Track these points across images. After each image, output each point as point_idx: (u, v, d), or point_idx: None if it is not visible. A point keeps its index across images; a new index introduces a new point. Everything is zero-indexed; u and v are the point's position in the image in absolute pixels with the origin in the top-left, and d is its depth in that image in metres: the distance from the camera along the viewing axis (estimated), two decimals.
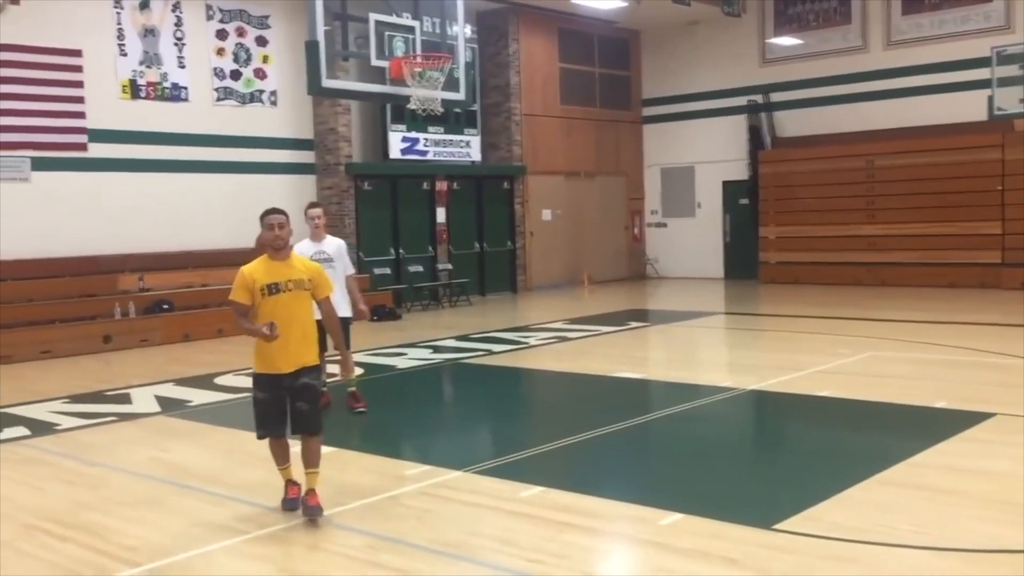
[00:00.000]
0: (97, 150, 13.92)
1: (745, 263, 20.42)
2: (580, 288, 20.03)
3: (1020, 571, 4.28)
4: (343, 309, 7.55)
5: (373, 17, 8.35)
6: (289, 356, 5.29)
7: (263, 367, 5.35)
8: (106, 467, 6.61)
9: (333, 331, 5.63)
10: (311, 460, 5.37)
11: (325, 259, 7.51)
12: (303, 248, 7.56)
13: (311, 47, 7.85)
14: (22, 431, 7.76)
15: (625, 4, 18.56)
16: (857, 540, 4.67)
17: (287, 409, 5.37)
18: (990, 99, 14.72)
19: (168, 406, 8.67)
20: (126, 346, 12.63)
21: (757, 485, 5.97)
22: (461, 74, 8.92)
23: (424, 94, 8.29)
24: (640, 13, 19.57)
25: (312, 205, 7.90)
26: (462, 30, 8.96)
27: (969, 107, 16.51)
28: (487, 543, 4.82)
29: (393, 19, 8.45)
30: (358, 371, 8.06)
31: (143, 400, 8.96)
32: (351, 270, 7.92)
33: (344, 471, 6.31)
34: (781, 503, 5.34)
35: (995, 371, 9.17)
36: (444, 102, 9.03)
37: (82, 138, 13.80)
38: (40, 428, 7.83)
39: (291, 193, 16.33)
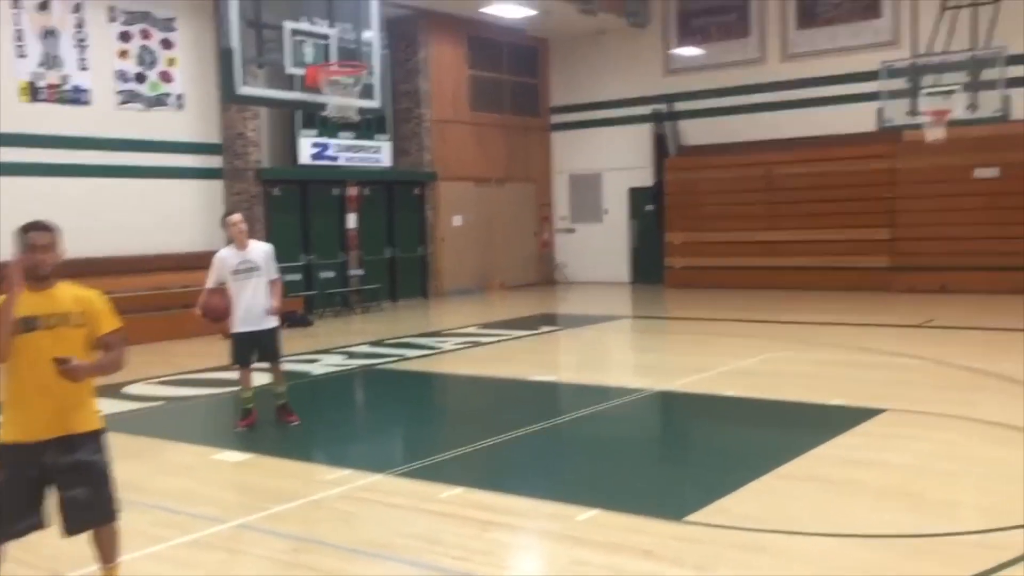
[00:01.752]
0: None
1: (651, 268, 20.93)
2: (491, 293, 20.23)
3: (910, 553, 4.62)
4: (269, 320, 7.53)
5: (288, 25, 8.36)
6: (49, 418, 3.89)
7: (11, 433, 3.89)
8: None
9: (102, 369, 4.11)
10: (107, 554, 4.20)
11: (252, 267, 7.46)
12: (227, 256, 7.50)
13: (225, 54, 7.83)
14: None
15: (533, 13, 18.90)
16: (761, 529, 4.95)
17: (42, 495, 3.94)
18: (879, 111, 15.46)
19: None
20: None
21: (668, 480, 6.24)
22: (376, 82, 9.00)
23: (340, 102, 8.34)
24: (548, 22, 19.92)
25: (229, 213, 7.78)
26: (377, 38, 9.05)
27: (861, 119, 17.30)
28: (411, 543, 4.94)
29: (308, 26, 8.47)
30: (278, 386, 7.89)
31: None
32: (275, 275, 7.69)
33: (265, 477, 6.34)
34: (690, 496, 5.60)
35: (886, 370, 9.70)
36: (359, 110, 9.07)
37: None
38: None
39: (199, 198, 16.12)
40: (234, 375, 8.75)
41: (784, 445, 6.71)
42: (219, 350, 10.25)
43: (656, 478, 6.30)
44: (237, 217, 7.54)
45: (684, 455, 7.09)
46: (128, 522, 5.38)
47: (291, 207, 16.99)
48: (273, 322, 7.62)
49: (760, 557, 4.62)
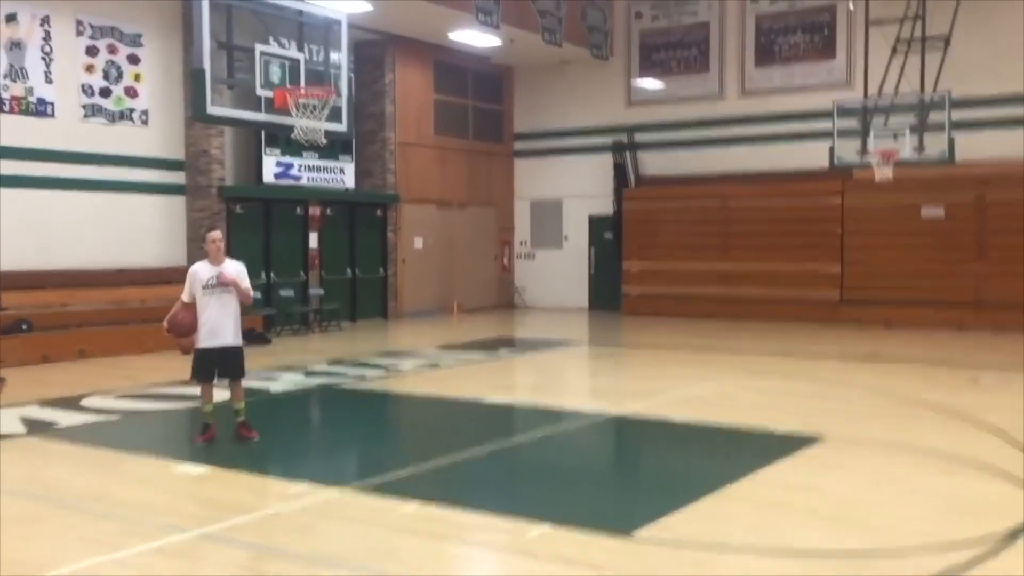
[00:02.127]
0: None
1: (608, 294, 21.28)
2: (450, 316, 20.42)
3: (839, 568, 4.89)
4: (236, 336, 7.67)
5: (258, 47, 8.57)
6: None
7: None
8: None
9: None
10: None
11: (215, 284, 7.60)
12: (200, 270, 7.65)
13: (197, 75, 8.00)
14: None
15: (499, 43, 19.27)
16: (704, 547, 5.21)
17: None
18: (831, 149, 15.99)
19: (35, 428, 8.55)
20: None
21: (617, 499, 6.49)
22: (344, 105, 9.23)
23: (308, 124, 8.55)
24: (514, 50, 20.30)
25: (209, 229, 7.95)
26: (345, 62, 9.29)
27: (813, 155, 17.84)
28: (369, 555, 5.13)
29: (277, 49, 8.69)
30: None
31: (8, 421, 8.79)
32: (244, 289, 7.71)
33: (225, 490, 6.47)
34: (638, 514, 5.84)
35: (829, 399, 10.07)
36: (326, 133, 9.27)
37: None
38: None
39: (161, 213, 16.18)
40: (192, 391, 8.91)
41: (728, 468, 6.98)
42: (178, 365, 10.37)
43: (606, 497, 6.54)
44: (216, 234, 7.70)
45: (634, 476, 7.34)
46: (89, 530, 5.53)
47: (254, 225, 17.09)
48: (238, 340, 7.75)
49: (700, 570, 4.86)
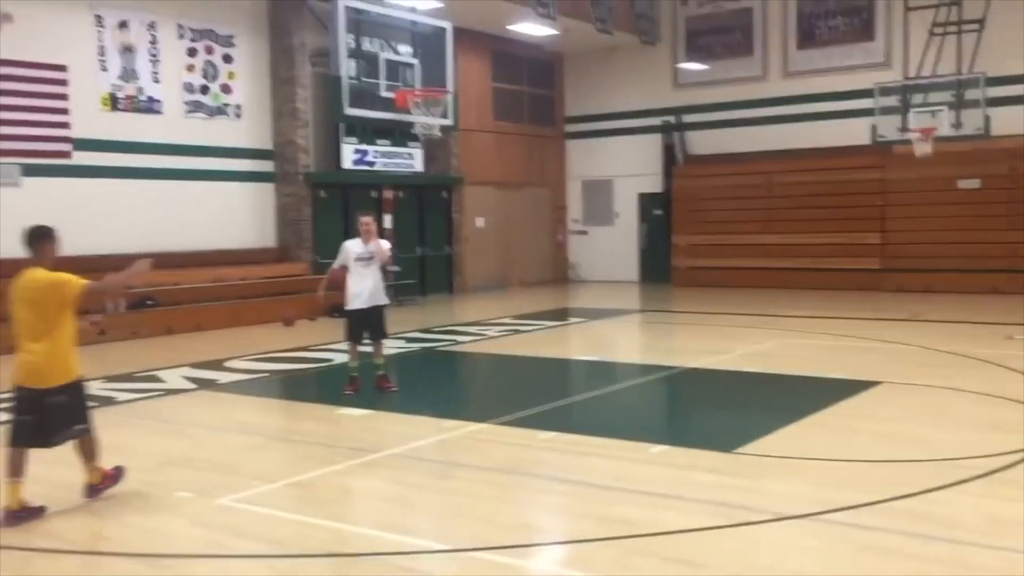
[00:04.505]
0: (80, 158, 14.97)
1: (659, 268, 22.57)
2: (510, 290, 21.81)
3: (900, 470, 6.22)
4: (381, 298, 9.13)
5: (382, 55, 9.91)
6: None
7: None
8: (193, 425, 8.03)
9: None
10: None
11: (371, 258, 9.03)
12: (353, 246, 9.09)
13: (335, 81, 9.39)
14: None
15: (555, 32, 20.51)
16: (793, 456, 6.56)
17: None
18: (873, 127, 17.12)
19: (202, 384, 10.04)
20: (118, 338, 13.76)
21: (714, 428, 7.84)
22: (450, 103, 10.55)
23: (425, 120, 9.90)
24: (566, 39, 21.53)
25: (363, 213, 9.41)
26: (451, 64, 10.60)
27: (854, 132, 19.00)
28: (530, 467, 6.53)
29: (396, 56, 10.03)
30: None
31: (175, 380, 10.29)
32: (386, 258, 9.23)
33: (391, 425, 7.95)
34: (734, 438, 7.16)
35: (880, 353, 11.35)
36: (428, 127, 10.61)
37: (67, 147, 14.84)
38: (103, 400, 9.10)
39: (252, 199, 17.65)
40: (310, 355, 10.43)
41: (803, 405, 8.30)
42: (286, 335, 11.96)
43: (704, 427, 7.92)
44: (367, 219, 9.14)
45: (723, 412, 8.68)
46: (302, 452, 6.97)
47: (335, 208, 18.50)
48: (384, 300, 9.19)
49: (795, 474, 6.21)
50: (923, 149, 16.40)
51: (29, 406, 5.52)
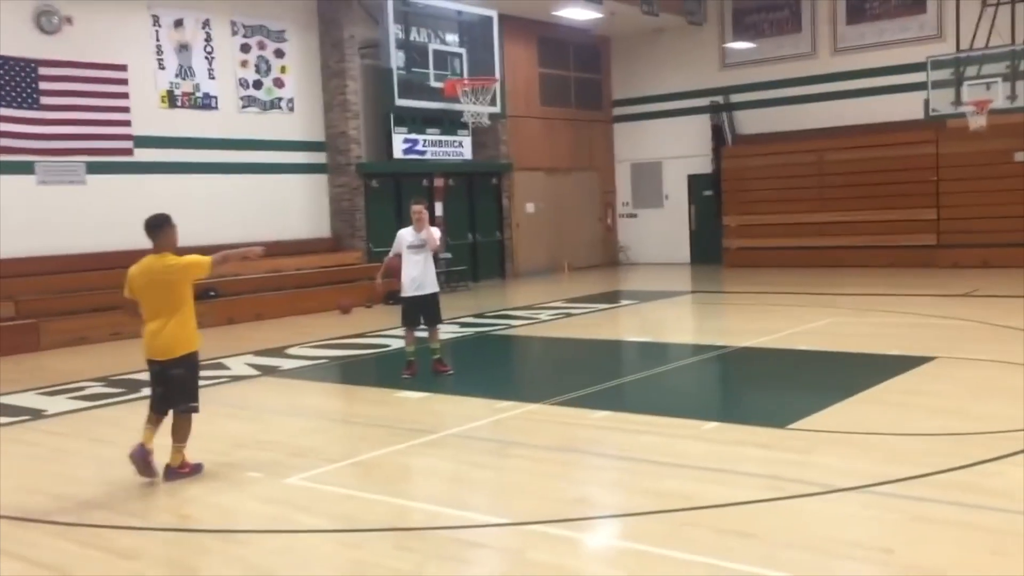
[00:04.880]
0: (141, 154, 15.44)
1: (709, 249, 22.53)
2: (561, 274, 21.95)
3: (955, 443, 6.26)
4: (433, 285, 9.34)
5: (431, 46, 10.09)
6: None
7: None
8: (260, 410, 8.34)
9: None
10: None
11: (422, 245, 9.24)
12: (405, 234, 9.31)
13: (386, 73, 9.61)
14: None
15: (600, 16, 20.52)
16: (846, 431, 6.63)
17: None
18: (926, 101, 16.90)
19: (264, 371, 10.37)
20: None
21: (768, 405, 7.93)
22: (497, 91, 10.69)
23: (474, 109, 10.06)
24: (612, 22, 21.52)
25: (416, 202, 9.62)
26: (498, 53, 10.74)
27: (907, 107, 18.75)
28: (584, 445, 6.70)
29: (444, 47, 10.20)
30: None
31: (238, 367, 10.64)
32: (436, 245, 9.41)
33: (448, 407, 8.17)
34: (788, 415, 7.25)
35: (936, 328, 11.30)
36: (478, 115, 10.77)
37: (128, 144, 15.31)
38: None
39: (306, 190, 18.02)
40: (369, 341, 10.70)
41: (858, 381, 8.34)
42: (343, 321, 12.23)
43: (758, 404, 8.01)
44: (418, 207, 9.34)
45: (776, 389, 8.75)
46: (364, 433, 7.22)
47: (387, 197, 18.80)
48: (435, 287, 9.40)
49: (846, 449, 6.29)
50: (978, 122, 16.16)
51: (157, 378, 6.21)
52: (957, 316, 12.08)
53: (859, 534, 4.70)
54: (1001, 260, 18.15)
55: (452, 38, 10.37)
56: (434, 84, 10.03)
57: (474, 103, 10.09)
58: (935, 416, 7.06)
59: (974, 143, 18.05)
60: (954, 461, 5.75)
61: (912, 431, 6.62)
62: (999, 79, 16.17)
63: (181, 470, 6.21)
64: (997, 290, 14.69)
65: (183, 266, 6.14)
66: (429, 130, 19.18)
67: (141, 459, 6.03)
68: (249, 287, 15.78)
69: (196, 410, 6.28)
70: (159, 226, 6.20)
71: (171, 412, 6.23)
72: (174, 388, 6.15)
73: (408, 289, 9.31)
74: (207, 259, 6.22)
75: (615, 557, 4.56)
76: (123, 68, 15.20)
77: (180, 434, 6.23)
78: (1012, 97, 16.07)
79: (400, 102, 9.49)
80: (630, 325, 13.58)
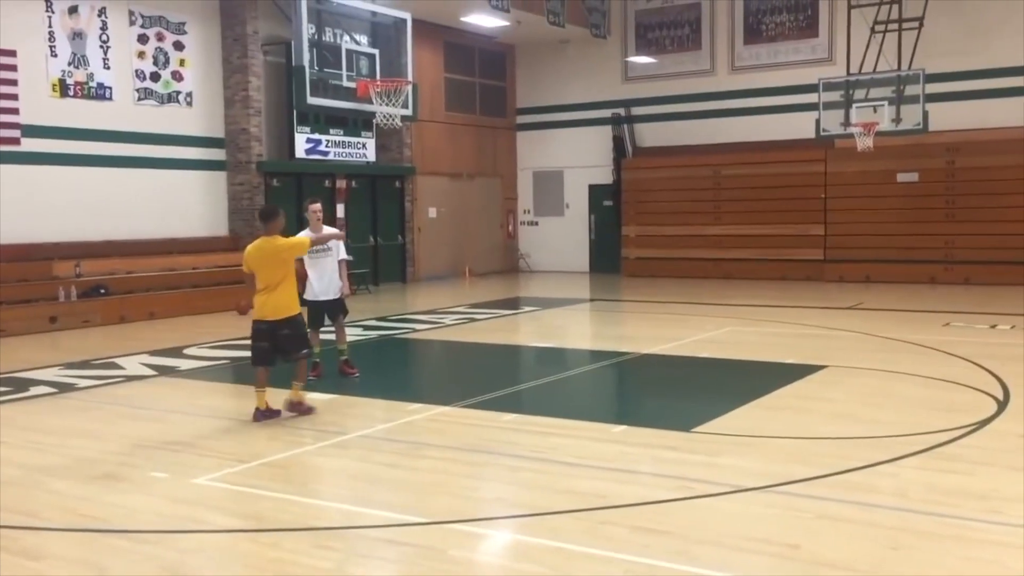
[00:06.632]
0: (30, 144, 14.78)
1: (608, 258, 22.93)
2: (462, 279, 21.99)
3: (847, 447, 6.57)
4: (336, 290, 9.22)
5: (344, 45, 10.02)
6: None
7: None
8: (160, 410, 8.09)
9: None
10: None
11: (325, 248, 9.10)
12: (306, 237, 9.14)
13: (298, 70, 9.46)
14: (48, 389, 9.02)
15: (507, 23, 20.69)
16: (747, 435, 6.87)
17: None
18: (817, 121, 17.62)
19: (161, 371, 10.07)
20: (71, 327, 13.66)
21: (671, 409, 8.14)
22: (410, 94, 10.70)
23: (386, 111, 10.03)
24: (518, 31, 21.73)
25: (312, 200, 9.47)
26: (411, 55, 10.75)
27: (799, 126, 19.50)
28: (495, 445, 6.74)
29: (357, 47, 10.15)
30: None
31: (134, 367, 10.29)
32: (344, 256, 9.40)
33: (357, 408, 8.08)
34: (692, 418, 7.46)
35: (824, 339, 11.79)
36: (390, 117, 10.74)
37: (15, 133, 14.63)
38: (64, 387, 9.11)
39: (204, 187, 17.58)
40: None
41: (755, 387, 8.64)
42: (240, 323, 11.96)
43: (662, 409, 8.21)
44: (316, 206, 9.20)
45: (679, 395, 8.99)
46: (278, 432, 7.11)
47: (288, 197, 18.45)
48: (338, 293, 9.28)
49: (750, 451, 6.52)
50: (865, 143, 16.94)
51: (265, 335, 7.50)
52: (845, 328, 12.63)
53: (767, 531, 4.88)
54: (883, 275, 19.06)
55: (363, 38, 10.28)
56: (347, 84, 9.90)
57: (387, 104, 10.01)
58: (830, 421, 7.38)
59: (861, 163, 18.93)
60: (851, 463, 6.02)
61: (810, 435, 6.91)
62: (885, 103, 16.99)
63: (300, 406, 7.59)
64: (880, 304, 15.42)
65: (289, 246, 7.65)
66: (333, 130, 19.00)
67: (265, 417, 7.40)
68: (141, 285, 15.28)
69: (309, 355, 8.01)
70: (272, 215, 7.67)
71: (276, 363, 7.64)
72: (288, 342, 7.51)
73: (314, 293, 9.19)
74: (307, 240, 8.02)
75: (537, 555, 4.61)
76: (12, 54, 14.52)
77: (300, 375, 7.62)
78: (897, 120, 16.92)
79: (312, 100, 9.32)
80: (534, 331, 13.72)
